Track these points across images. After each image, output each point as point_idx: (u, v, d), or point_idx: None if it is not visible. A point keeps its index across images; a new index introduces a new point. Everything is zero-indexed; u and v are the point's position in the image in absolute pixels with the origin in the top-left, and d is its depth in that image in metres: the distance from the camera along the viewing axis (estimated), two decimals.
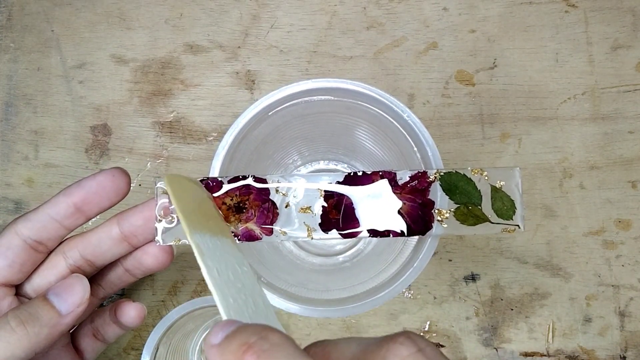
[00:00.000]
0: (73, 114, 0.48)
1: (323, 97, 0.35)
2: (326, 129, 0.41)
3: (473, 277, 0.45)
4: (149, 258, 0.33)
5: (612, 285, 0.45)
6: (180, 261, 0.46)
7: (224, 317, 0.25)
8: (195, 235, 0.27)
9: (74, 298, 0.31)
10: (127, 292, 0.45)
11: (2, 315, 0.30)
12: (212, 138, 0.47)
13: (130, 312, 0.35)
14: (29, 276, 0.33)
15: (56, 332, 0.30)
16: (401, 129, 0.34)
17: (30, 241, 0.31)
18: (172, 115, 0.47)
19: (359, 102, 0.35)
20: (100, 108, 0.48)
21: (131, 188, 0.33)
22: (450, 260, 0.45)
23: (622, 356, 0.44)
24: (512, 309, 0.45)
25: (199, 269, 0.47)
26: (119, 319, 0.35)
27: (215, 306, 0.42)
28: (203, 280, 0.45)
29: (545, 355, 0.44)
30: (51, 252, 0.33)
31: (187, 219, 0.28)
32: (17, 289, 0.33)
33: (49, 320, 0.30)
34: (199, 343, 0.45)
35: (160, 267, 0.33)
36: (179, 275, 0.45)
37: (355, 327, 0.45)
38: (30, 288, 0.33)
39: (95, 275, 0.35)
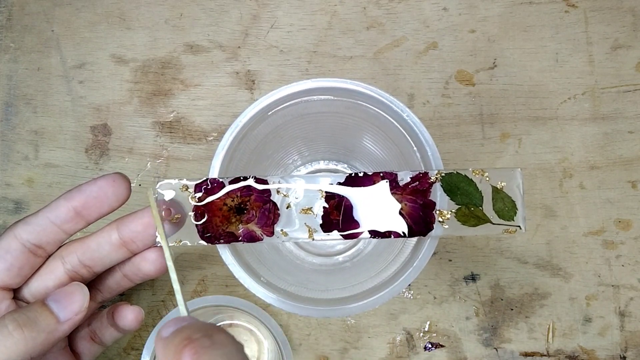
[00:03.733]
0: (73, 114, 0.48)
1: (323, 97, 0.35)
2: (326, 129, 0.41)
3: (473, 277, 0.45)
4: (148, 264, 0.33)
5: (612, 285, 0.45)
6: (180, 261, 0.46)
7: (183, 314, 0.27)
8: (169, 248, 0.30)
9: (73, 306, 0.31)
10: (126, 293, 0.45)
11: (0, 318, 0.29)
12: (212, 138, 0.47)
13: (128, 315, 0.35)
14: (27, 280, 0.33)
15: (53, 338, 0.30)
16: (401, 128, 0.34)
17: (29, 245, 0.31)
18: (172, 115, 0.47)
19: (359, 102, 0.35)
20: (100, 108, 0.48)
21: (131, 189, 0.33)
22: (450, 260, 0.45)
23: (622, 356, 0.44)
24: (512, 309, 0.45)
25: (198, 269, 0.47)
26: (116, 322, 0.35)
27: (215, 306, 0.42)
28: (203, 280, 0.45)
29: (545, 355, 0.44)
30: (50, 256, 0.33)
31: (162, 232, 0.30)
32: (15, 293, 0.33)
33: (46, 325, 0.30)
34: None
35: (159, 274, 0.33)
36: (179, 275, 0.45)
37: (355, 327, 0.45)
38: (28, 292, 0.33)
39: (94, 280, 0.35)
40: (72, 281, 0.33)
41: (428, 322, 0.45)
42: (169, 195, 0.31)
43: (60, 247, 0.33)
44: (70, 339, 0.36)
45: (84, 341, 0.36)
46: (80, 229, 0.32)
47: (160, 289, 0.45)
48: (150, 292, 0.45)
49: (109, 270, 0.34)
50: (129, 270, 0.34)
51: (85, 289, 0.31)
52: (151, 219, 0.31)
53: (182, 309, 0.28)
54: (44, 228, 0.31)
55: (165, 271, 0.33)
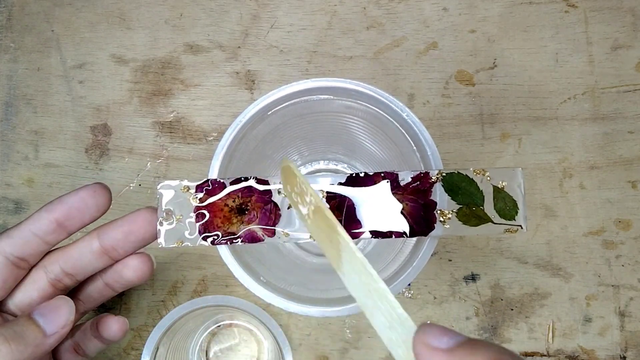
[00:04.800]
0: (73, 114, 0.47)
1: (323, 97, 0.35)
2: (326, 129, 0.41)
3: (473, 277, 0.45)
4: (129, 271, 0.33)
5: (612, 285, 0.45)
6: (180, 261, 0.46)
7: (409, 321, 0.22)
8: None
9: (60, 319, 0.31)
10: (125, 292, 0.45)
11: None
12: (212, 138, 0.47)
13: (112, 326, 0.35)
14: (10, 292, 0.33)
15: (39, 351, 0.30)
16: (401, 128, 0.34)
17: (12, 258, 0.31)
18: (172, 115, 0.47)
19: (359, 102, 0.35)
20: (100, 108, 0.48)
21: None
22: (450, 260, 0.45)
23: (622, 356, 0.44)
24: (512, 309, 0.45)
25: (198, 269, 0.47)
26: (100, 333, 0.35)
27: (215, 306, 0.42)
28: (203, 280, 0.45)
29: (545, 355, 0.44)
30: (33, 267, 0.33)
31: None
32: (0, 306, 0.33)
33: (33, 339, 0.30)
34: (199, 343, 0.45)
35: (141, 280, 0.34)
36: (179, 275, 0.45)
37: (355, 327, 0.45)
38: (12, 304, 0.33)
39: (76, 290, 0.35)
40: (56, 290, 0.33)
41: (428, 322, 0.45)
42: (168, 195, 0.31)
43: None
44: (53, 352, 0.36)
45: (68, 353, 0.36)
46: (62, 240, 0.32)
47: (161, 289, 0.45)
48: (150, 292, 0.45)
49: (91, 279, 0.34)
50: (110, 277, 0.34)
51: (71, 302, 0.31)
52: (131, 227, 0.31)
53: (404, 313, 0.22)
54: (27, 241, 0.31)
55: (147, 278, 0.33)
